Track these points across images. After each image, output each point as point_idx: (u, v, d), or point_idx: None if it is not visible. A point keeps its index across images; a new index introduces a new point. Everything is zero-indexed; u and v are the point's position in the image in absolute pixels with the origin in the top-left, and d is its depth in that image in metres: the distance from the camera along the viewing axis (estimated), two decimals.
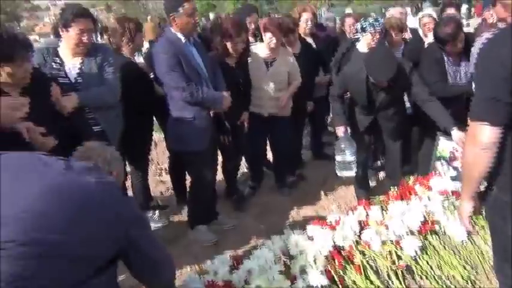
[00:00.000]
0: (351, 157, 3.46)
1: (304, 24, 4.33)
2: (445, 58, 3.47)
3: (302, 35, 4.33)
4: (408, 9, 23.32)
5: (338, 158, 3.49)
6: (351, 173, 3.55)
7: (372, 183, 4.21)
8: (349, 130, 3.53)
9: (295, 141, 4.47)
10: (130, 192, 3.56)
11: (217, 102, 3.03)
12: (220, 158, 3.74)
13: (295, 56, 3.90)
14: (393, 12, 4.72)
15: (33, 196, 1.23)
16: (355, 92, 3.47)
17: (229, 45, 3.32)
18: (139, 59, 3.58)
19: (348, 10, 13.94)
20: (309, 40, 4.38)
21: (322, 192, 4.10)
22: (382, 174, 4.30)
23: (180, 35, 2.88)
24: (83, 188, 1.33)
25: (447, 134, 3.15)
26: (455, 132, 3.01)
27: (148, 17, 19.57)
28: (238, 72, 3.49)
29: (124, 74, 2.82)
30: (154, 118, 3.64)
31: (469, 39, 3.40)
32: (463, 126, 2.87)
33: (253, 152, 4.07)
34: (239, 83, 3.51)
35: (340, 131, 3.46)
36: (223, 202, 3.87)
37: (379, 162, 4.50)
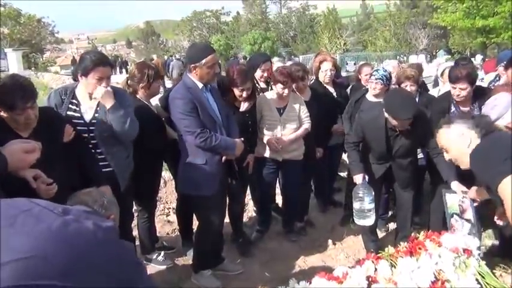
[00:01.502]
0: (370, 205, 3.37)
1: (324, 73, 4.42)
2: (453, 108, 3.50)
3: (323, 83, 4.44)
4: (423, 57, 23.67)
5: (356, 206, 3.39)
6: (370, 222, 3.45)
7: (382, 234, 4.14)
8: (367, 177, 3.48)
9: (305, 187, 4.44)
10: (135, 232, 3.54)
11: (230, 148, 3.06)
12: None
13: (306, 103, 3.96)
14: (386, 65, 4.84)
15: (30, 241, 1.23)
16: (372, 139, 3.46)
17: (236, 92, 3.47)
18: (154, 101, 3.65)
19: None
20: (330, 89, 4.48)
21: (330, 241, 4.03)
22: (392, 225, 4.23)
23: (198, 82, 2.96)
24: (80, 232, 1.32)
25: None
26: (455, 185, 3.01)
27: (154, 56, 20.11)
28: (248, 116, 3.58)
29: (137, 115, 2.87)
30: (164, 160, 3.66)
31: (480, 91, 3.49)
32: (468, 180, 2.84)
33: (262, 195, 4.06)
34: (248, 125, 3.57)
35: (359, 178, 3.41)
36: (229, 246, 3.82)
37: (390, 212, 4.44)
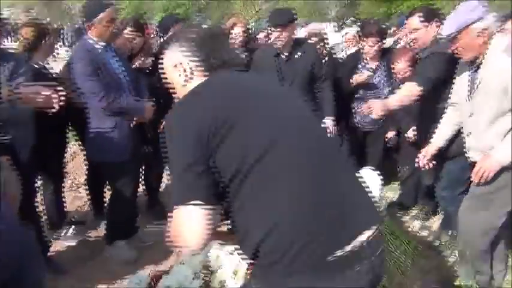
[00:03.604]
0: None
1: (235, 39, 4.32)
2: (360, 65, 3.86)
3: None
4: (332, 26, 24.45)
5: None
6: None
7: None
8: None
9: None
10: (41, 207, 3.31)
11: (139, 111, 2.93)
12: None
13: None
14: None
15: None
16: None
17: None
18: (58, 66, 3.36)
19: None
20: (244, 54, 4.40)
21: None
22: None
23: (97, 43, 2.77)
24: None
25: None
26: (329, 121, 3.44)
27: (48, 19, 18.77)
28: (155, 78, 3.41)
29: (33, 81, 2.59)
30: (69, 129, 3.43)
31: (386, 51, 3.88)
32: None
33: None
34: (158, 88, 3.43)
35: None
36: (144, 215, 3.71)
37: None
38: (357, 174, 1.39)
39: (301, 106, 1.42)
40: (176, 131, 1.24)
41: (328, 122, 3.43)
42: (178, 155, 1.21)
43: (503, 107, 2.20)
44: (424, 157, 2.71)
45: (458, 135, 2.60)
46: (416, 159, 2.76)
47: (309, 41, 3.89)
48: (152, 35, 4.21)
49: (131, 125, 2.94)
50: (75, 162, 4.95)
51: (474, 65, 2.31)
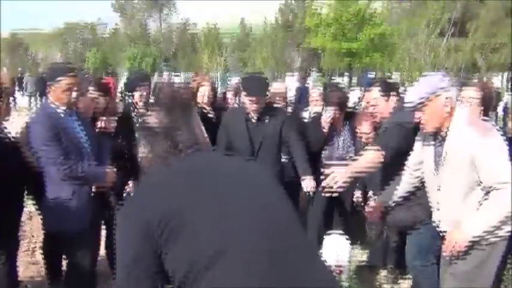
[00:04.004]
0: None
1: (202, 98, 4.32)
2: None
3: (204, 108, 4.32)
4: (296, 77, 25.13)
5: None
6: None
7: None
8: None
9: None
10: None
11: (99, 177, 2.83)
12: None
13: None
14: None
15: None
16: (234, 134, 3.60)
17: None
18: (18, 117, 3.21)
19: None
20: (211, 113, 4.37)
21: None
22: None
23: (58, 107, 2.70)
24: None
25: None
26: (306, 181, 3.46)
27: (4, 68, 18.46)
28: (121, 141, 3.38)
29: None
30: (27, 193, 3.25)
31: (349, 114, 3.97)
32: None
33: None
34: (123, 151, 3.35)
35: None
36: (106, 281, 3.51)
37: None
38: (316, 255, 1.38)
39: (261, 185, 1.38)
40: (123, 223, 1.24)
41: (306, 182, 3.45)
42: (123, 250, 1.21)
43: (473, 180, 2.22)
44: (371, 211, 2.90)
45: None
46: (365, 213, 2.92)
47: (275, 105, 3.94)
48: (118, 94, 4.14)
49: (91, 193, 2.83)
50: (32, 223, 4.70)
51: (437, 137, 2.37)
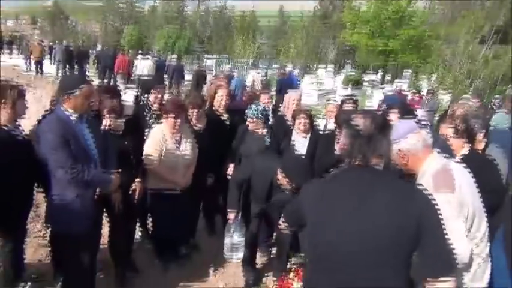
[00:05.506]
0: (238, 238, 3.58)
1: (219, 102, 4.42)
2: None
3: (217, 111, 4.43)
4: (331, 68, 24.61)
5: (226, 240, 3.60)
6: (238, 255, 3.63)
7: (263, 259, 4.27)
8: (239, 216, 3.62)
9: (193, 211, 4.44)
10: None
11: (105, 183, 2.96)
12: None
13: (199, 132, 3.96)
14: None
15: None
16: (257, 184, 3.60)
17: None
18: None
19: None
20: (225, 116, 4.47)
21: (211, 269, 4.08)
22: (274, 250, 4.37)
23: (71, 115, 2.81)
24: None
25: None
26: None
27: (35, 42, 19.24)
28: (128, 141, 3.47)
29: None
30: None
31: None
32: None
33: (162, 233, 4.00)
34: (129, 152, 3.48)
35: (231, 215, 3.54)
36: (107, 273, 3.68)
37: (273, 237, 4.58)
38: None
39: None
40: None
41: None
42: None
43: None
44: None
45: None
46: None
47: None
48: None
49: (94, 196, 2.95)
50: None
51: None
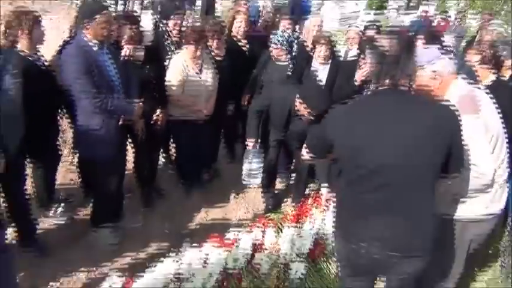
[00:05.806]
0: (257, 165, 3.68)
1: (237, 29, 4.28)
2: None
3: (236, 38, 4.30)
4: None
5: (245, 166, 3.70)
6: (256, 181, 3.73)
7: (282, 186, 4.40)
8: (258, 143, 3.67)
9: (214, 137, 4.51)
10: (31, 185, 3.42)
11: (128, 112, 3.01)
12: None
13: (219, 60, 3.91)
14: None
15: None
16: (275, 112, 3.61)
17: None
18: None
19: None
20: (243, 42, 4.34)
21: (232, 194, 4.23)
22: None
23: (92, 42, 2.80)
24: None
25: None
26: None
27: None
28: (149, 70, 3.45)
29: (24, 77, 2.61)
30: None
31: None
32: None
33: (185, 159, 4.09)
34: (151, 81, 3.48)
35: (250, 143, 3.59)
36: (135, 198, 3.87)
37: (292, 164, 4.67)
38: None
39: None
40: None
41: None
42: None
43: None
44: None
45: None
46: None
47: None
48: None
49: (119, 123, 3.02)
50: None
51: None
